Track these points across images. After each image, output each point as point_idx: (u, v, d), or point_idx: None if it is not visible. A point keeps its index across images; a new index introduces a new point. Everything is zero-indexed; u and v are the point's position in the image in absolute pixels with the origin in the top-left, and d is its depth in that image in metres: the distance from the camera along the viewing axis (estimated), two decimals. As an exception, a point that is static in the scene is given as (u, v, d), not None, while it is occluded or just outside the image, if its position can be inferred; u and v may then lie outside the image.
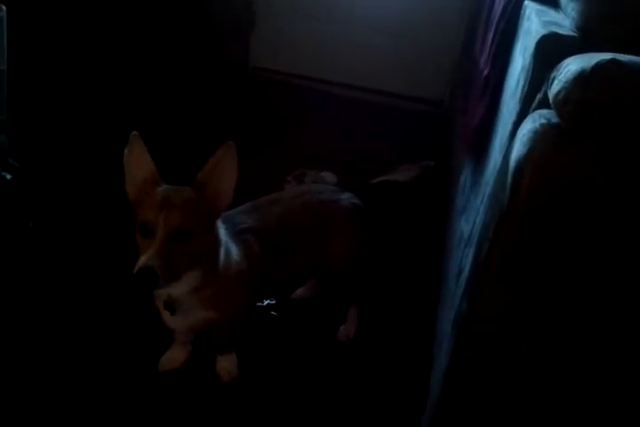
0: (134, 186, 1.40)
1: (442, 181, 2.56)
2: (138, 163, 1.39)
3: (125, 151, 1.39)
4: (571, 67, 1.10)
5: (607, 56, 1.05)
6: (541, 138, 1.10)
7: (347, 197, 1.81)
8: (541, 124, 1.12)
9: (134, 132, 1.38)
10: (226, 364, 1.70)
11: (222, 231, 1.48)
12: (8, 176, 1.86)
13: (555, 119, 1.11)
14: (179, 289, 1.42)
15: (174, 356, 1.70)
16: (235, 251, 1.51)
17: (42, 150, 2.45)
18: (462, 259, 1.52)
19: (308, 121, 3.14)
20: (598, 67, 1.04)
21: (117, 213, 2.16)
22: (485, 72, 1.81)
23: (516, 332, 1.22)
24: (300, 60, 3.51)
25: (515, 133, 1.22)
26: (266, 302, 1.92)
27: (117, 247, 2.04)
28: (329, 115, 3.26)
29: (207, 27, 3.30)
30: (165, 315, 1.52)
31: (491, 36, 1.84)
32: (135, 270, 1.27)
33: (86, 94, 2.84)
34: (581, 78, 1.05)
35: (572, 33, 1.23)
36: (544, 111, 1.16)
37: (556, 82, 1.11)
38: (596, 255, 1.14)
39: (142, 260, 1.28)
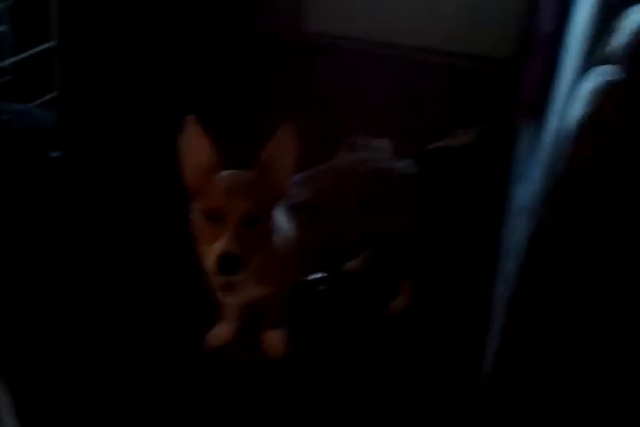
0: (193, 172, 1.34)
1: (502, 146, 2.42)
2: (196, 148, 1.33)
3: (181, 136, 1.33)
4: (637, 16, 0.98)
5: (679, 1, 0.92)
6: (604, 97, 0.99)
7: (402, 166, 1.74)
8: (604, 83, 1.00)
9: (190, 116, 1.31)
10: (274, 339, 1.67)
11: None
12: (54, 154, 1.84)
13: (619, 76, 0.99)
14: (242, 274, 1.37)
15: (221, 332, 1.68)
16: (288, 226, 1.47)
17: (93, 126, 2.44)
18: (518, 229, 1.42)
19: (364, 86, 3.03)
20: (669, 14, 0.92)
21: (162, 194, 2.15)
22: (548, 27, 1.68)
23: (571, 312, 1.12)
24: (354, 22, 3.37)
25: (575, 93, 1.11)
26: (317, 276, 1.87)
27: (158, 228, 2.02)
28: (386, 79, 3.13)
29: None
30: (221, 294, 1.49)
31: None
32: (217, 256, 1.26)
33: (137, 71, 2.82)
34: (649, 28, 0.93)
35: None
36: (607, 67, 1.04)
37: (620, 33, 0.99)
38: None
39: (220, 246, 1.26)
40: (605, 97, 0.99)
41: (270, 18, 3.32)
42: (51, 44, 2.13)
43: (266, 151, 1.36)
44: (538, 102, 1.61)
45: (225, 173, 1.35)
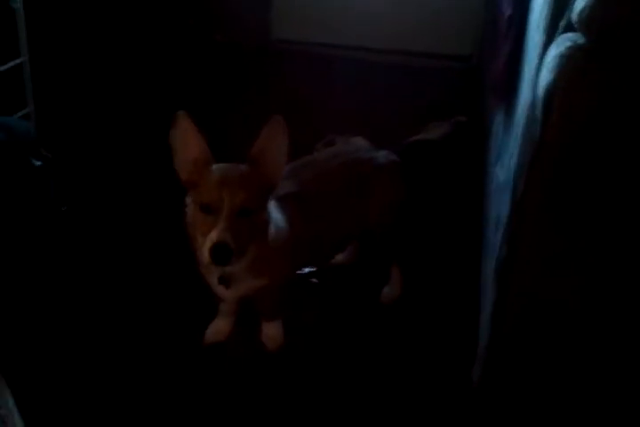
0: (186, 166, 1.38)
1: (476, 135, 2.47)
2: (188, 143, 1.36)
3: (172, 132, 1.36)
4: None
5: (631, -36, 0.97)
6: (568, 61, 1.03)
7: (382, 155, 1.77)
8: (567, 48, 1.05)
9: (180, 111, 1.34)
10: (272, 331, 1.68)
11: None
12: (37, 163, 1.85)
13: (580, 40, 1.04)
14: (237, 264, 1.40)
15: (219, 328, 1.69)
16: (279, 218, 1.50)
17: (72, 136, 2.45)
18: (500, 205, 1.46)
19: (335, 89, 3.07)
20: (623, -23, 0.97)
21: (150, 194, 2.17)
22: (509, 11, 1.73)
23: (558, 275, 1.15)
24: (319, 28, 3.42)
25: (542, 62, 1.15)
26: (306, 270, 1.89)
27: (150, 227, 2.04)
28: (355, 81, 3.17)
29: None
30: (218, 288, 1.51)
31: (511, -29, 1.75)
32: (210, 246, 1.28)
33: (113, 78, 2.84)
34: (605, -8, 0.98)
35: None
36: (569, 34, 1.08)
37: (578, 0, 1.04)
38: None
39: (214, 236, 1.29)
40: (568, 61, 1.03)
41: (240, 29, 3.36)
42: (22, 59, 2.15)
43: (257, 144, 1.39)
44: (507, 84, 1.66)
45: (218, 165, 1.38)
